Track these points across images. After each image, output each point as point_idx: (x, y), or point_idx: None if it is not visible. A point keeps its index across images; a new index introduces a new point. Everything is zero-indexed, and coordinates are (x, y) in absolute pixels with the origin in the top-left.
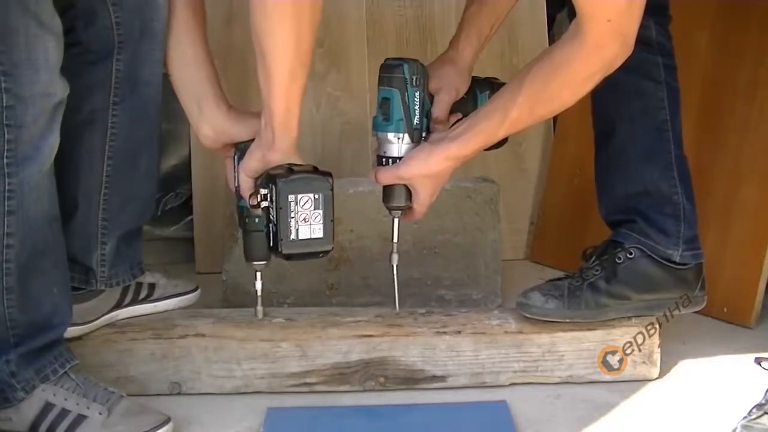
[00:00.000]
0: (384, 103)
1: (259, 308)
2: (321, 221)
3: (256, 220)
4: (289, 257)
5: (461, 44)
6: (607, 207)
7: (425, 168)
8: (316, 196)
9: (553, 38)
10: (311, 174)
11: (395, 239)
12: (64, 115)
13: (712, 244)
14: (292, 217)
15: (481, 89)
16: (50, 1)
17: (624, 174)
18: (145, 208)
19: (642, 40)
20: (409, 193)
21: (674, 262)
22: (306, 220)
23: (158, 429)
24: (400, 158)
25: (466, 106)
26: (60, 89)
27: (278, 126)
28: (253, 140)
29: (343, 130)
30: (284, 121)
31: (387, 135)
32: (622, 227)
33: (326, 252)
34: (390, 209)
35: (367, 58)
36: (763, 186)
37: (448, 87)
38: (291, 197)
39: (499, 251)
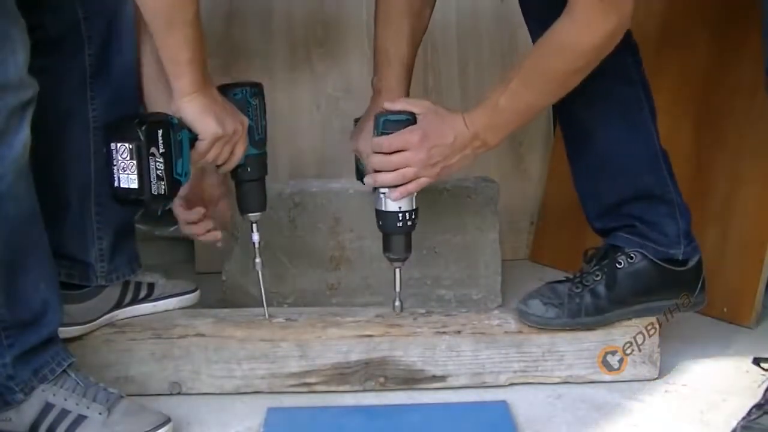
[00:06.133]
0: None
1: (258, 260)
2: (135, 171)
3: (248, 169)
4: (116, 202)
5: (393, 85)
6: (599, 216)
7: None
8: (130, 146)
9: None
10: (128, 122)
11: (398, 288)
12: (45, 116)
13: (712, 244)
14: (114, 165)
15: None
16: (13, 0)
17: (612, 180)
18: None
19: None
20: (409, 244)
21: (675, 262)
22: (124, 170)
23: (158, 429)
24: (407, 212)
25: None
26: (30, 87)
27: (170, 75)
28: None
29: (343, 130)
30: (173, 70)
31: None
32: (620, 232)
33: (143, 201)
34: (391, 260)
35: (368, 58)
36: (763, 186)
37: None
38: (112, 145)
39: (499, 251)
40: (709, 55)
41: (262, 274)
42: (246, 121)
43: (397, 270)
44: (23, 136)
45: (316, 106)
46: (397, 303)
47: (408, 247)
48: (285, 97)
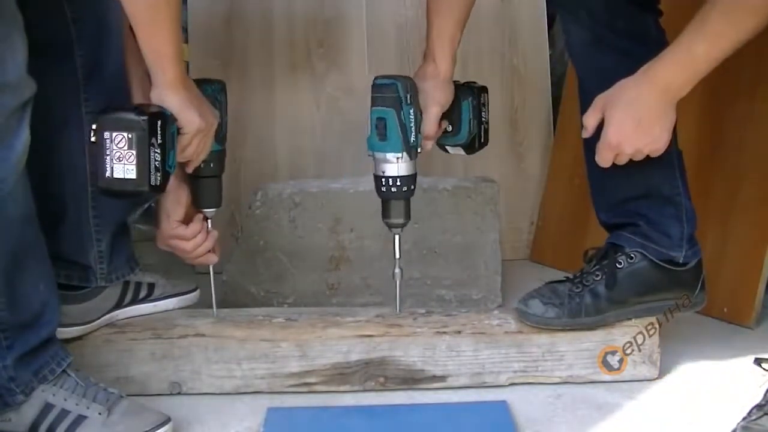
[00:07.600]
0: (379, 123)
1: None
2: (134, 161)
3: (211, 164)
4: (105, 193)
5: (438, 58)
6: (606, 211)
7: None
8: (130, 136)
9: (553, 38)
10: (127, 113)
11: (398, 255)
12: (39, 119)
13: (712, 244)
14: (108, 155)
15: (464, 96)
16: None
17: (625, 178)
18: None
19: (642, 36)
20: (408, 210)
21: (676, 263)
22: (120, 159)
23: (158, 429)
24: (399, 177)
25: (451, 115)
26: (28, 87)
27: (154, 68)
28: None
29: (343, 130)
30: (154, 62)
31: (385, 155)
32: (622, 230)
33: (140, 192)
34: (390, 226)
35: (367, 58)
36: (763, 185)
37: (434, 102)
38: (106, 134)
39: (499, 251)
40: None
41: (213, 268)
42: (217, 114)
43: (397, 237)
44: (24, 137)
45: (316, 106)
46: (397, 270)
47: (407, 213)
48: (285, 97)
